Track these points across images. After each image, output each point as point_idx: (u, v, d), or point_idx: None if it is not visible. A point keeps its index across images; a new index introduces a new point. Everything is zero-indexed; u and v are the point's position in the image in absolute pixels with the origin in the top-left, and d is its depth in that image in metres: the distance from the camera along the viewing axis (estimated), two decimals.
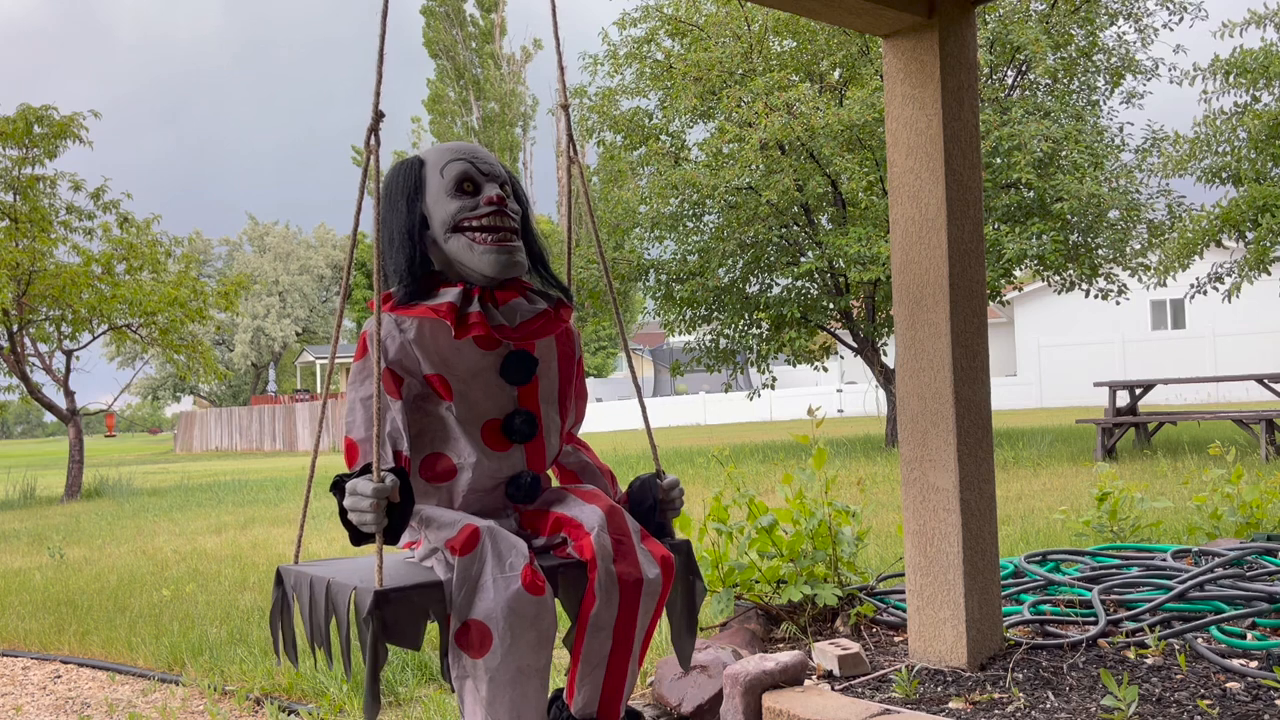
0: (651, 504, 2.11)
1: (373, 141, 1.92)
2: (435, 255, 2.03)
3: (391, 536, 1.83)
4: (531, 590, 1.81)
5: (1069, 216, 11.85)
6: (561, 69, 2.33)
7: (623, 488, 2.21)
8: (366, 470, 1.84)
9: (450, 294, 1.97)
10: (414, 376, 1.98)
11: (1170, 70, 13.20)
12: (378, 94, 1.91)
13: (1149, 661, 2.84)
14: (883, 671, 2.91)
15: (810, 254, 13.17)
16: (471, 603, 1.81)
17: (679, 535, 2.20)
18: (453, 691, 1.85)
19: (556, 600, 1.91)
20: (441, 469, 2.00)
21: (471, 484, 1.99)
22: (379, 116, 1.91)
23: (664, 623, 2.16)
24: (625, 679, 1.98)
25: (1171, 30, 13.25)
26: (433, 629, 1.89)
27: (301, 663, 3.42)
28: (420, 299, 1.98)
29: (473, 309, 1.96)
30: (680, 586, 2.11)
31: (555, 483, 2.20)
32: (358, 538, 1.83)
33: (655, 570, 1.96)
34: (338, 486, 1.84)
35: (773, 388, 15.39)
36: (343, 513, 1.82)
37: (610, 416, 31.32)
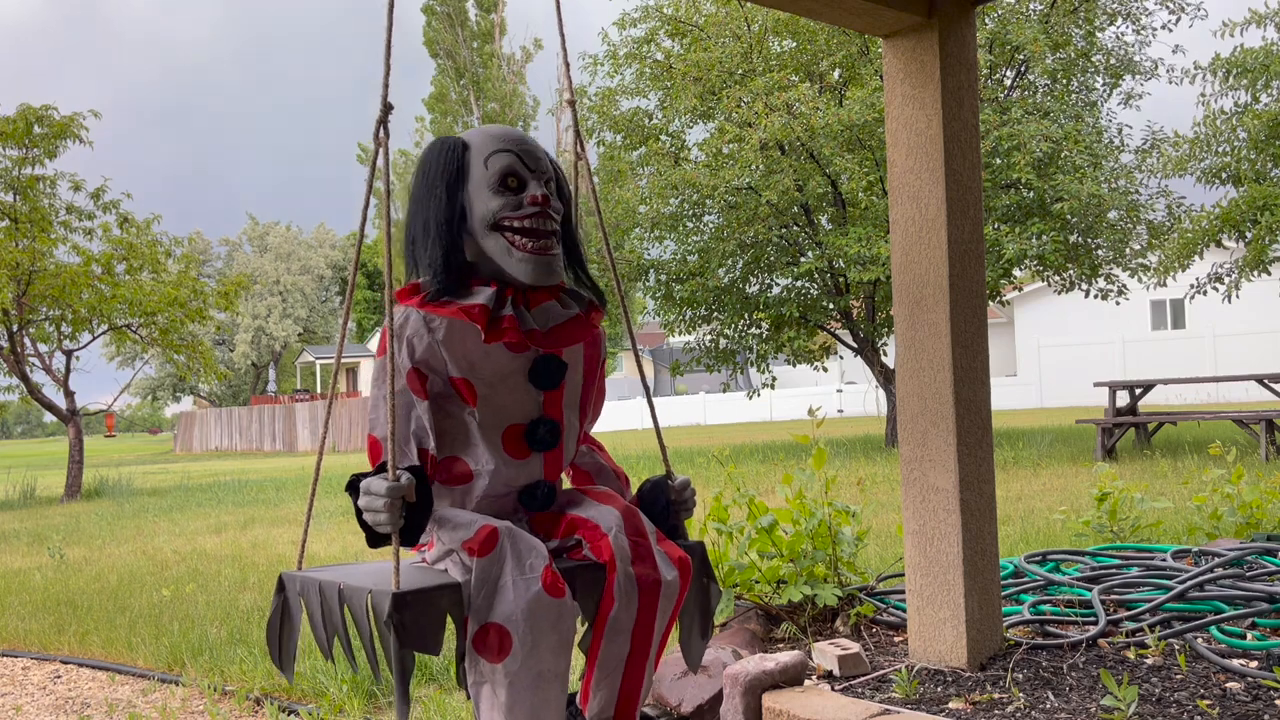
0: (664, 505, 2.07)
1: (381, 134, 1.86)
2: (469, 246, 1.95)
3: (409, 538, 1.77)
4: (552, 592, 1.76)
5: (1069, 217, 11.85)
6: (566, 64, 2.26)
7: (631, 490, 2.17)
8: (383, 469, 1.77)
9: (483, 295, 1.90)
10: (439, 376, 1.91)
11: (1169, 71, 13.21)
12: (386, 85, 1.86)
13: (1149, 661, 2.84)
14: (883, 671, 2.91)
15: (810, 254, 13.17)
16: (491, 605, 1.75)
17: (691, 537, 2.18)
18: (469, 698, 1.80)
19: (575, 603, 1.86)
20: (458, 473, 1.95)
21: (486, 490, 1.94)
22: (387, 109, 1.85)
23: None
24: (642, 683, 1.94)
25: (1170, 30, 13.28)
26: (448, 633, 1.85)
27: (300, 663, 3.42)
28: (451, 294, 1.90)
29: (505, 312, 1.90)
30: (695, 589, 2.07)
31: (567, 483, 2.17)
32: (374, 539, 1.77)
33: (673, 572, 1.92)
34: (353, 486, 1.78)
35: (772, 387, 15.40)
36: (359, 513, 1.76)
37: (610, 416, 31.25)
